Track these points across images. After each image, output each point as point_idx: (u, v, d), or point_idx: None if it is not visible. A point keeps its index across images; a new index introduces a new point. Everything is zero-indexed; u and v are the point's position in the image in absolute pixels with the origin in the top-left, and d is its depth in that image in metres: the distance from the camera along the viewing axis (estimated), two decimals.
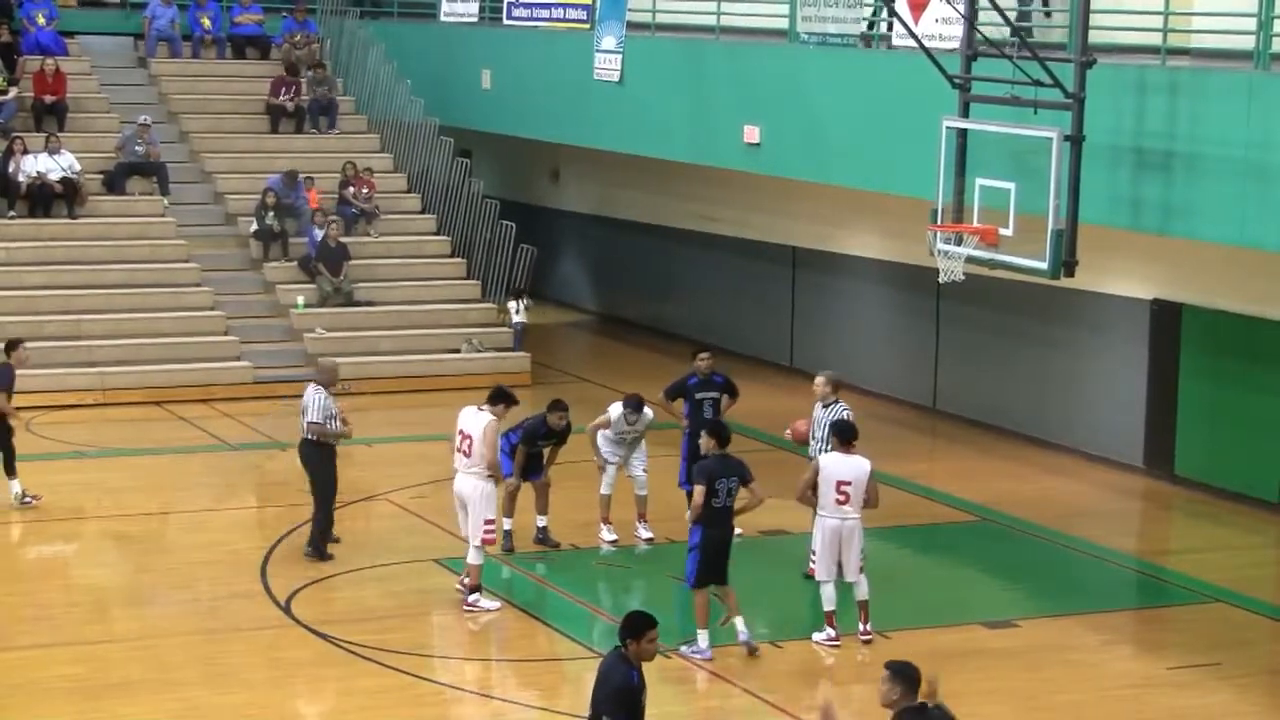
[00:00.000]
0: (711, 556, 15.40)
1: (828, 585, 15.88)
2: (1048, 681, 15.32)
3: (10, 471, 19.69)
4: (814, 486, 15.82)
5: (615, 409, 18.43)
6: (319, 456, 17.98)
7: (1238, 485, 20.97)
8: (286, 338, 26.50)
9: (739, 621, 15.63)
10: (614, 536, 18.68)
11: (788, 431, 17.97)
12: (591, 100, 26.17)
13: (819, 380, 17.57)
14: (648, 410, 18.54)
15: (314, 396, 17.83)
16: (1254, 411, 20.68)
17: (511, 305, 27.67)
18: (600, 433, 18.51)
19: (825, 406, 17.37)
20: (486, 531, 16.47)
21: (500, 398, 16.62)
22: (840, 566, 15.85)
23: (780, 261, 28.08)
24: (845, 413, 17.17)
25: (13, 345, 19.78)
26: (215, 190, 28.92)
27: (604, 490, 18.68)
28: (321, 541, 18.06)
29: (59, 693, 14.61)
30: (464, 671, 15.66)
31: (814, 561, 15.97)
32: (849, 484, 15.73)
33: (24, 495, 19.70)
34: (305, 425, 17.87)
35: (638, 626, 10.49)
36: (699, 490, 15.25)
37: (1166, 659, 15.95)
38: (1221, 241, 16.90)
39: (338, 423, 17.86)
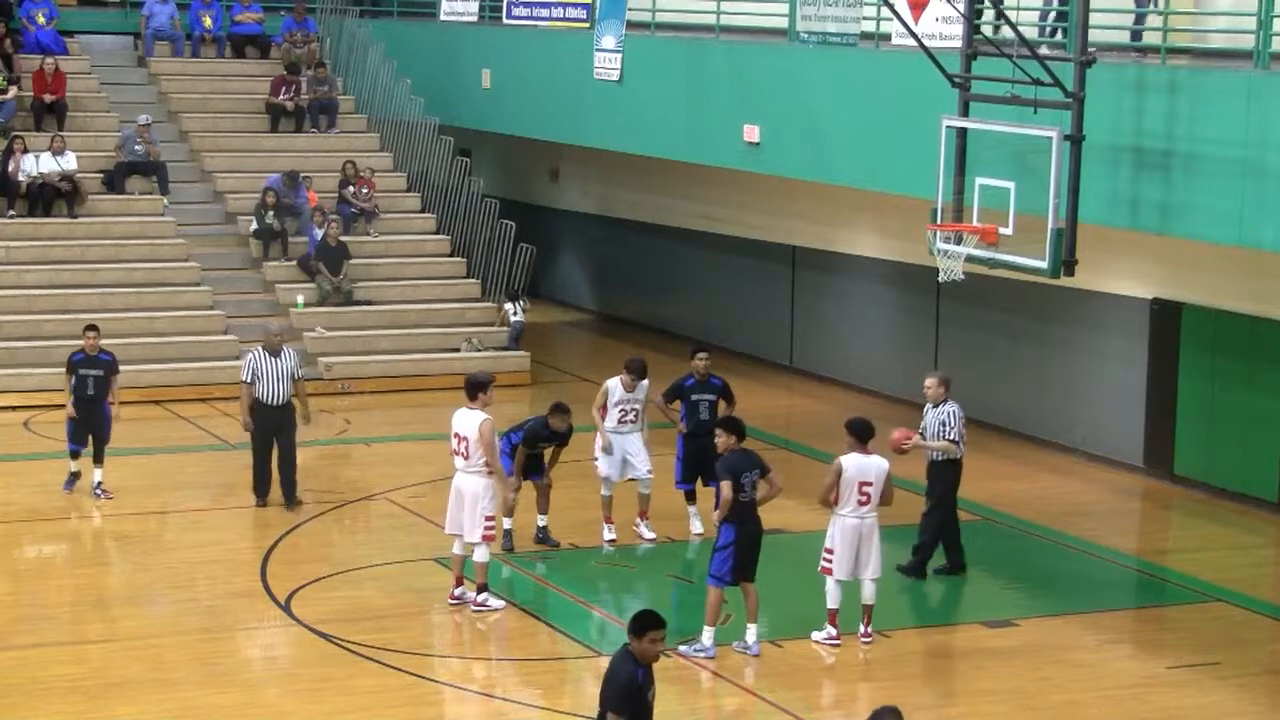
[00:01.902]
0: (746, 553, 15.41)
1: (833, 583, 15.86)
2: (1047, 681, 15.32)
3: (96, 459, 20.00)
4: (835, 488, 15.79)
5: (611, 381, 18.46)
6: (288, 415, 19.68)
7: (1237, 484, 20.97)
8: (286, 337, 26.43)
9: (751, 632, 15.62)
10: (613, 536, 18.67)
11: (894, 438, 17.61)
12: (591, 99, 26.17)
13: (930, 381, 17.57)
14: (644, 380, 18.55)
15: (248, 358, 19.70)
16: (1253, 411, 20.68)
17: (509, 307, 27.63)
18: (604, 425, 18.48)
19: (935, 407, 17.43)
20: (487, 528, 16.47)
21: (476, 388, 16.49)
22: (858, 564, 15.83)
23: (780, 261, 28.08)
24: (957, 415, 17.35)
25: (84, 330, 20.13)
26: (215, 189, 28.93)
27: (604, 492, 18.67)
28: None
29: (58, 692, 14.60)
30: (464, 671, 15.65)
31: (826, 560, 15.91)
32: (870, 484, 15.73)
33: (98, 488, 19.96)
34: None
35: (640, 625, 10.57)
36: (727, 485, 15.19)
37: (1165, 658, 15.95)
38: (1221, 241, 16.90)
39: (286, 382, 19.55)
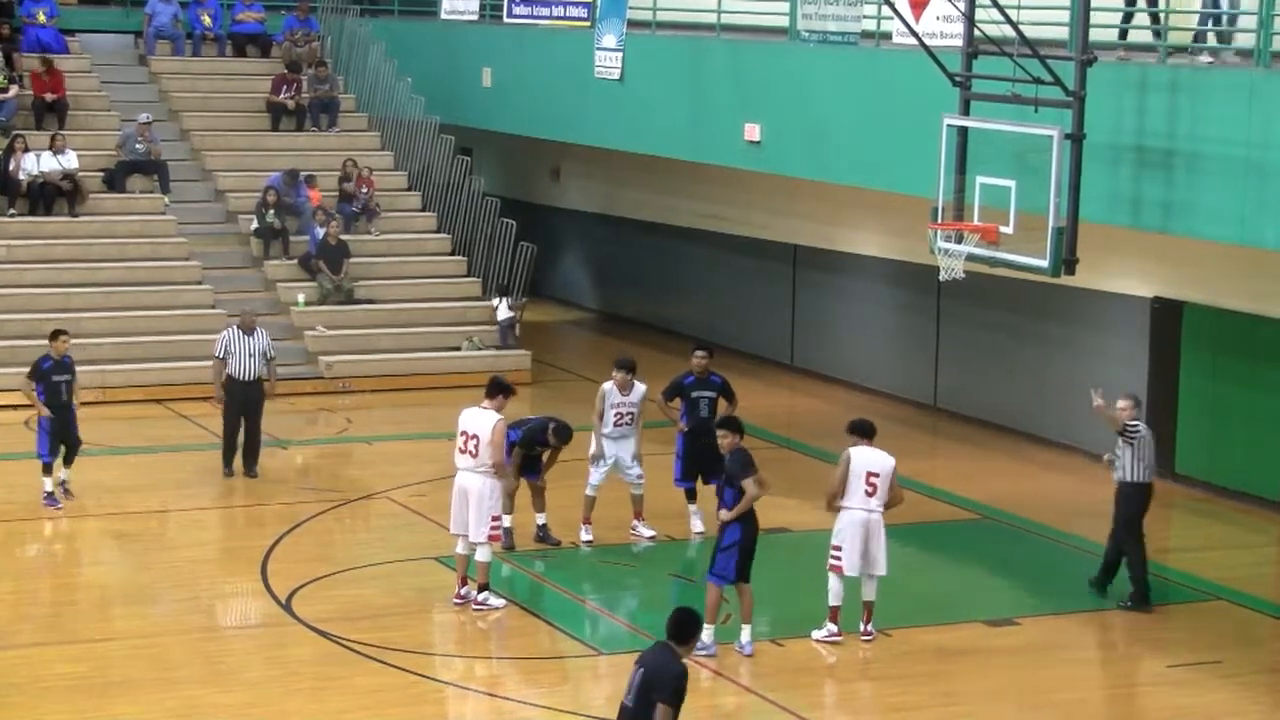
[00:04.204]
0: (749, 552, 15.42)
1: (836, 580, 15.85)
2: (1048, 680, 15.32)
3: (65, 461, 19.88)
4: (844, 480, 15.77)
5: (606, 385, 18.44)
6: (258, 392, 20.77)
7: (1239, 483, 20.96)
8: (287, 335, 26.45)
9: (745, 633, 15.61)
10: (590, 538, 18.64)
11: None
12: (592, 98, 26.17)
13: (1123, 403, 17.13)
14: (640, 384, 18.50)
15: (222, 335, 20.87)
16: (1255, 409, 20.67)
17: (495, 302, 27.58)
18: (596, 428, 18.46)
19: (1126, 425, 16.99)
20: (493, 528, 16.46)
21: (498, 390, 16.54)
22: (867, 559, 15.82)
23: (781, 260, 28.08)
24: (1143, 433, 16.91)
25: (52, 335, 19.86)
26: (216, 188, 28.92)
27: (589, 492, 18.65)
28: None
29: (60, 691, 14.60)
30: (464, 669, 15.65)
31: (834, 558, 15.89)
32: (877, 475, 15.74)
33: (62, 486, 19.83)
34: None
35: (689, 633, 10.77)
36: (752, 483, 15.15)
37: (1167, 657, 15.95)
38: (1222, 240, 16.90)
39: (259, 360, 20.65)
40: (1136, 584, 17.22)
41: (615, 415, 18.45)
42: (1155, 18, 17.84)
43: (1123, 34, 18.12)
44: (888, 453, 15.94)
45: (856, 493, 15.75)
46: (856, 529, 15.77)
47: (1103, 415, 17.35)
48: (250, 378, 20.63)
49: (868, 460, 15.78)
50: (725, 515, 15.38)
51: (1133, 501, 17.17)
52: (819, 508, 16.49)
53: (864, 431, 15.96)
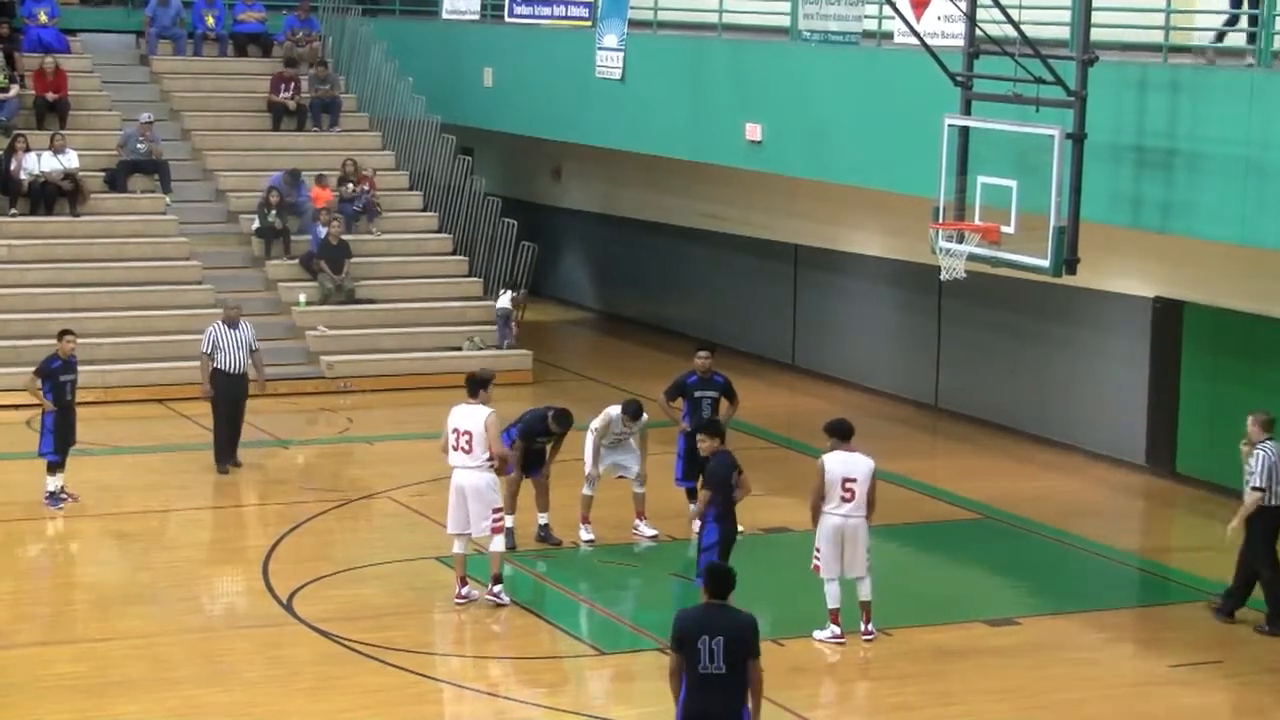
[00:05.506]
0: (729, 551, 15.41)
1: (832, 583, 15.87)
2: (1049, 680, 15.31)
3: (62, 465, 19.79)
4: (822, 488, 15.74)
5: (613, 410, 18.40)
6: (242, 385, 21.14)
7: (1239, 483, 20.80)
8: (288, 335, 26.49)
9: None
10: (591, 536, 18.63)
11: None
12: (593, 98, 26.17)
13: (1250, 418, 16.69)
14: (643, 414, 18.50)
15: (209, 331, 21.09)
16: (1255, 409, 20.62)
17: (500, 293, 27.59)
18: (593, 439, 18.41)
19: (1256, 445, 16.53)
20: (495, 519, 16.46)
21: (477, 385, 16.52)
22: (843, 564, 15.82)
23: (782, 259, 28.07)
24: (1264, 460, 16.33)
25: (60, 335, 19.85)
26: (217, 188, 28.93)
27: (586, 491, 18.64)
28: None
29: (60, 691, 14.60)
30: (465, 669, 15.65)
31: (816, 558, 15.93)
32: (854, 481, 15.68)
33: (61, 491, 19.73)
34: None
35: (733, 581, 11.51)
36: (706, 496, 15.20)
37: (1168, 657, 15.94)
38: (1222, 239, 16.91)
39: (243, 352, 20.98)
40: (1274, 606, 16.64)
41: (613, 439, 18.49)
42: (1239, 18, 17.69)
43: (1219, 36, 17.98)
44: (865, 454, 15.83)
45: (833, 499, 15.70)
46: (833, 534, 15.74)
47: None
48: (238, 371, 20.97)
49: (844, 467, 15.68)
50: (695, 515, 15.59)
51: (1263, 521, 16.56)
52: None
53: (841, 434, 15.81)
